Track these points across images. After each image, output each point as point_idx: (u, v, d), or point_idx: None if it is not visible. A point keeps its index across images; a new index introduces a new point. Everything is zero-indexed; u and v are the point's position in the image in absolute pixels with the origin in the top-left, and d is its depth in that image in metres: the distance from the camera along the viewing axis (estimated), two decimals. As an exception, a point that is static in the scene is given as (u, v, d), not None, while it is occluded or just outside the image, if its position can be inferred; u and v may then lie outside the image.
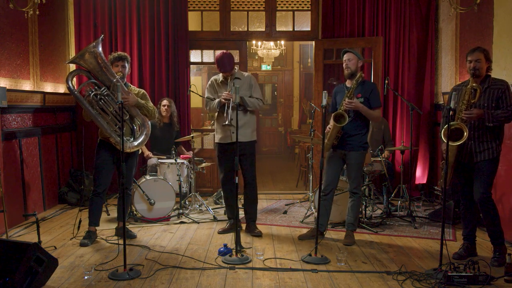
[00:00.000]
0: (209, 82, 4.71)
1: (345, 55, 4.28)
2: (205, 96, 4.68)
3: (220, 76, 4.63)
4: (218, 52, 4.51)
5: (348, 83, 4.29)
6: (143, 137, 4.23)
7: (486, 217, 3.70)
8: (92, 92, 4.00)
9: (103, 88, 4.03)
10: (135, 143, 4.17)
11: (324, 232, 4.44)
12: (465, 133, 3.51)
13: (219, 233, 4.60)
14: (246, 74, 4.68)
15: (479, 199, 3.66)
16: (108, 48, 6.17)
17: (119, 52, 4.33)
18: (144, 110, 4.22)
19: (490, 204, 3.66)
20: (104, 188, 4.27)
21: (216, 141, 4.61)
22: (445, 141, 3.51)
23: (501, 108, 3.58)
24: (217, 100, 4.47)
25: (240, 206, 4.72)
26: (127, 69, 4.27)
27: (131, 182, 4.46)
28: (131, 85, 4.44)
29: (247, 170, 4.60)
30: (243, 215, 4.72)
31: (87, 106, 3.99)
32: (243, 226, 4.71)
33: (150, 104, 4.31)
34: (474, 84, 3.62)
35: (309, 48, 11.46)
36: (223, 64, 4.42)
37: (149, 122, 4.30)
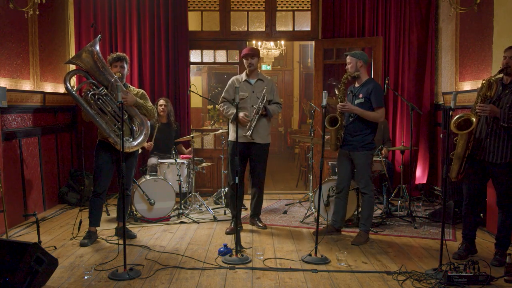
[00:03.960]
0: (230, 82, 4.72)
1: (346, 58, 4.38)
2: (222, 96, 4.71)
3: (243, 76, 4.68)
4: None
5: (355, 84, 4.39)
6: (142, 137, 4.22)
7: (503, 222, 3.66)
8: (90, 92, 3.99)
9: (101, 88, 4.02)
10: (134, 143, 4.17)
11: (340, 229, 4.55)
12: (474, 121, 3.45)
13: (227, 233, 4.55)
14: (268, 77, 4.78)
15: (503, 205, 3.63)
16: (108, 48, 6.17)
17: (118, 53, 4.33)
18: (143, 110, 4.22)
19: (510, 211, 3.64)
20: (104, 188, 4.26)
21: (231, 139, 4.58)
22: (455, 132, 3.53)
23: None
24: (240, 114, 4.41)
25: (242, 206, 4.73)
26: (125, 69, 4.27)
27: (131, 182, 4.45)
28: (130, 86, 4.44)
29: (259, 172, 4.67)
30: (244, 215, 4.72)
31: (85, 106, 3.99)
32: (244, 226, 4.72)
33: (149, 103, 4.31)
34: (492, 78, 3.56)
35: (309, 48, 11.46)
36: (252, 50, 4.58)
37: (148, 122, 4.30)
